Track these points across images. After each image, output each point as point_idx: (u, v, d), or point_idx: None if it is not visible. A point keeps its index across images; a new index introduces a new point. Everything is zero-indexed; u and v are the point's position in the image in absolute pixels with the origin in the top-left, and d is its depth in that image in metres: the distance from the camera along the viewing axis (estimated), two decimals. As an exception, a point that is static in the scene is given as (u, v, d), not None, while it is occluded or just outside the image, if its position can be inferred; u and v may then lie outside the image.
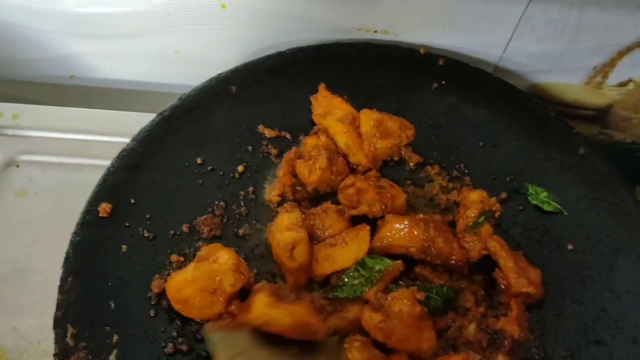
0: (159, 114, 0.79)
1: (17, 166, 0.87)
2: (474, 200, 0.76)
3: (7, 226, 0.82)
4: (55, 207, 0.84)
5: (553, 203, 0.78)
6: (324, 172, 0.76)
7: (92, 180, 0.77)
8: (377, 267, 0.70)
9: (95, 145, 0.89)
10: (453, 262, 0.73)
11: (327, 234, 0.74)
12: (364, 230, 0.73)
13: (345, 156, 0.79)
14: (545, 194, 0.79)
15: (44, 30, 0.93)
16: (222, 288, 0.68)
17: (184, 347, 0.67)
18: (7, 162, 0.87)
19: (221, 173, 0.78)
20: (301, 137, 0.82)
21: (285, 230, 0.69)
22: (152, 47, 0.96)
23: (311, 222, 0.75)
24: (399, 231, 0.71)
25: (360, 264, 0.71)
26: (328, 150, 0.79)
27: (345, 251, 0.72)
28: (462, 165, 0.82)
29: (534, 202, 0.79)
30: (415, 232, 0.71)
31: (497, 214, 0.76)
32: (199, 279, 0.68)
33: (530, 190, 0.79)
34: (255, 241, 0.75)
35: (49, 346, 0.72)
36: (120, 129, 0.90)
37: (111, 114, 0.92)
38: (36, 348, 0.74)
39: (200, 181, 0.77)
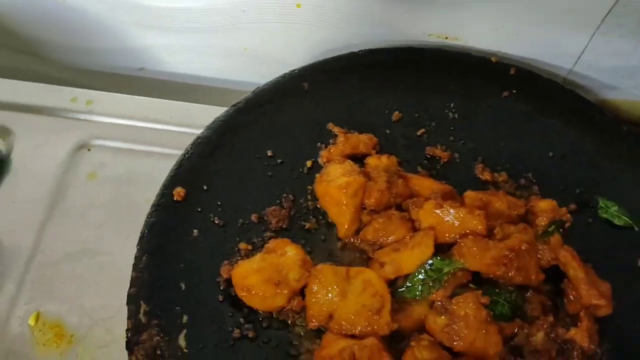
0: (233, 105, 0.81)
1: (89, 150, 0.89)
2: (544, 209, 0.76)
3: (78, 207, 0.84)
4: (124, 192, 0.85)
5: (624, 217, 0.77)
6: (382, 195, 0.75)
7: (160, 167, 0.79)
8: (446, 269, 0.69)
9: (165, 135, 0.91)
10: (532, 280, 0.71)
11: (390, 239, 0.74)
12: (429, 235, 0.73)
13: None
14: (616, 207, 0.78)
15: (120, 20, 0.96)
16: (286, 281, 0.69)
17: (250, 334, 0.67)
18: (80, 145, 0.89)
19: (290, 167, 0.79)
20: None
21: (341, 175, 0.72)
22: (222, 43, 0.98)
23: (375, 227, 0.75)
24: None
25: (429, 265, 0.70)
26: (388, 173, 0.79)
27: (410, 255, 0.72)
28: (530, 175, 0.81)
29: (604, 215, 0.78)
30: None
31: (567, 224, 0.75)
32: (264, 270, 0.69)
33: (601, 204, 0.78)
34: (320, 236, 0.76)
35: (113, 325, 0.74)
36: (189, 120, 0.91)
37: (181, 105, 0.94)
38: (100, 326, 0.75)
39: (269, 173, 0.78)
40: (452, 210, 0.73)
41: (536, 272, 0.72)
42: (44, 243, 0.80)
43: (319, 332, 0.68)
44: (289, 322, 0.69)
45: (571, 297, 0.71)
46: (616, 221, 0.77)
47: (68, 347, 0.74)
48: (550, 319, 0.70)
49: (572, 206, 0.78)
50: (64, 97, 0.92)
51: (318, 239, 0.75)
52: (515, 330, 0.70)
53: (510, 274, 0.70)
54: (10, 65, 1.05)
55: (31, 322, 0.74)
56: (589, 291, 0.70)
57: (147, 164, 0.88)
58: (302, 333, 0.69)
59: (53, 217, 0.82)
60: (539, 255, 0.73)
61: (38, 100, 0.92)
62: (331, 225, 0.77)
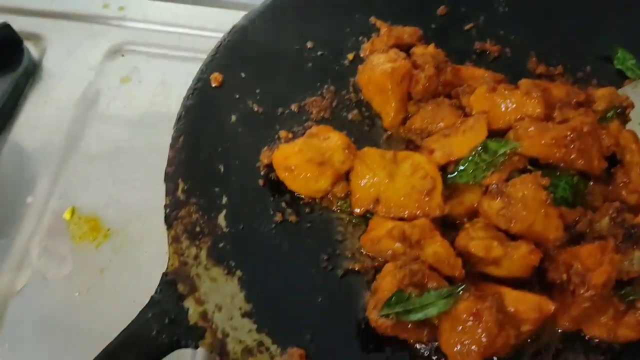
0: (271, -2, 0.77)
1: (123, 55, 0.86)
2: (603, 95, 0.70)
3: (112, 108, 0.82)
4: (158, 94, 0.83)
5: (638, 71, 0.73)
6: (430, 81, 0.71)
7: (194, 72, 0.75)
8: (502, 150, 0.65)
9: (198, 40, 0.87)
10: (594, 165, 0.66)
11: (439, 126, 0.70)
12: (482, 118, 0.68)
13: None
14: (633, 61, 0.74)
15: None
16: (331, 162, 0.65)
17: (292, 218, 0.64)
18: (114, 50, 0.87)
19: (331, 59, 0.75)
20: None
21: (386, 62, 0.68)
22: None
23: (423, 115, 0.71)
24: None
25: (483, 147, 0.65)
26: (435, 60, 0.74)
27: (461, 140, 0.67)
28: (588, 68, 0.76)
29: (619, 66, 0.75)
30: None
31: (628, 111, 0.70)
32: (307, 151, 0.65)
33: (619, 55, 0.75)
34: (364, 127, 0.71)
35: (149, 219, 0.71)
36: (222, 26, 0.87)
37: (214, 10, 0.90)
38: (136, 220, 0.72)
39: (310, 64, 0.75)
40: (506, 92, 0.68)
41: (599, 158, 0.66)
42: (78, 142, 0.78)
43: (364, 219, 0.65)
44: (333, 208, 0.65)
45: (620, 183, 0.66)
46: (629, 74, 0.73)
47: (104, 240, 0.71)
48: (617, 204, 0.65)
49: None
50: (95, 3, 0.90)
51: (362, 129, 0.71)
52: (578, 217, 0.65)
53: (571, 157, 0.65)
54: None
55: (66, 216, 0.72)
56: (640, 177, 0.65)
57: (180, 69, 0.85)
58: (347, 219, 0.65)
59: (87, 118, 0.80)
60: (600, 139, 0.67)
61: (70, 6, 0.90)
62: (375, 117, 0.72)
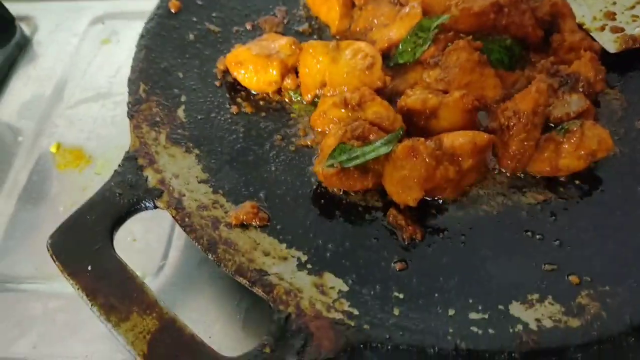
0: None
1: (103, 23, 0.96)
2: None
3: (95, 64, 0.90)
4: (132, 49, 0.90)
5: None
6: None
7: None
8: (434, 24, 0.69)
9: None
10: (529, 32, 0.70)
11: (380, 21, 0.75)
12: (416, 5, 0.72)
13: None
14: None
15: None
16: (277, 55, 0.70)
17: (248, 109, 0.69)
18: (95, 21, 0.96)
19: (282, -17, 0.82)
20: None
21: None
22: None
23: (364, 15, 0.76)
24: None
25: (418, 26, 0.70)
26: None
27: (399, 25, 0.72)
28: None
29: None
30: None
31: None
32: (255, 48, 0.71)
33: None
34: (314, 36, 0.77)
35: (127, 145, 0.77)
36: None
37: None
38: (115, 147, 0.79)
39: (262, -10, 0.81)
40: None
41: (532, 26, 0.70)
42: (62, 92, 0.86)
43: (314, 105, 0.69)
44: (286, 100, 0.70)
45: (557, 46, 0.69)
46: None
47: (86, 165, 0.77)
48: (552, 58, 0.68)
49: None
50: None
51: (311, 39, 0.77)
52: (517, 78, 0.68)
53: (502, 24, 0.68)
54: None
55: (53, 149, 0.79)
56: (576, 35, 0.68)
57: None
58: (299, 107, 0.70)
59: (71, 73, 0.88)
60: (534, 9, 0.71)
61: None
62: (324, 28, 0.78)
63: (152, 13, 0.76)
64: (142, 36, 0.73)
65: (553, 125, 0.63)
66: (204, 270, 0.65)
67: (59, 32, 0.95)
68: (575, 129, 0.59)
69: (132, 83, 0.68)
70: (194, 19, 0.77)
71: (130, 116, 0.65)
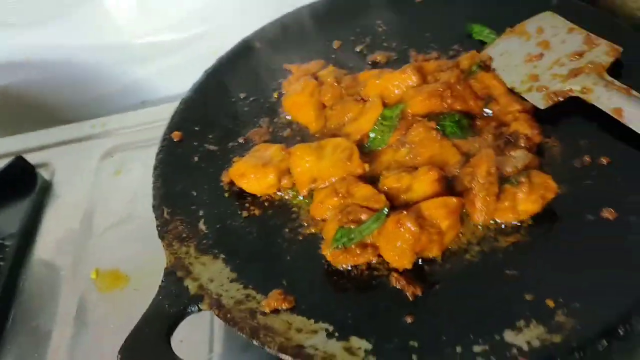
0: (205, 72, 1.01)
1: (112, 156, 1.10)
2: (465, 56, 0.91)
3: (113, 193, 1.03)
4: (143, 174, 1.03)
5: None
6: (334, 88, 0.93)
7: None
8: (394, 113, 0.84)
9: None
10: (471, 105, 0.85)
11: (349, 117, 0.89)
12: (376, 98, 0.87)
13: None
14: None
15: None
16: (272, 162, 0.84)
17: (256, 212, 0.82)
18: (105, 155, 1.10)
19: (262, 100, 0.97)
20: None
21: (299, 87, 0.92)
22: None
23: (335, 113, 0.91)
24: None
25: (382, 117, 0.85)
26: (334, 73, 0.95)
27: (366, 118, 0.86)
28: (457, 46, 0.97)
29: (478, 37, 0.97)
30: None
31: (489, 63, 0.90)
32: (252, 159, 0.85)
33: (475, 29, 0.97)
34: (297, 138, 0.91)
35: (156, 259, 0.89)
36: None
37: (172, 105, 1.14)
38: (147, 262, 0.90)
39: (246, 109, 0.97)
40: (390, 76, 0.88)
41: (474, 99, 0.85)
42: (91, 222, 0.98)
43: (311, 198, 0.82)
44: (286, 197, 0.84)
45: (497, 111, 0.84)
46: (487, 40, 0.96)
47: (125, 284, 0.89)
48: (494, 123, 0.83)
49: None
50: (85, 126, 1.15)
51: (295, 141, 0.91)
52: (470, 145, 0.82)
53: (448, 102, 0.84)
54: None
55: (93, 276, 0.91)
56: (509, 99, 0.84)
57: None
58: (298, 202, 0.83)
59: (94, 203, 1.01)
60: (471, 86, 0.86)
61: (67, 135, 1.15)
62: (304, 129, 0.93)
63: (159, 145, 0.90)
64: (155, 167, 0.87)
65: (508, 178, 0.76)
66: (248, 354, 0.76)
67: (75, 171, 1.08)
68: (523, 179, 0.73)
69: (157, 209, 0.81)
70: (195, 143, 0.91)
71: (162, 237, 0.78)
